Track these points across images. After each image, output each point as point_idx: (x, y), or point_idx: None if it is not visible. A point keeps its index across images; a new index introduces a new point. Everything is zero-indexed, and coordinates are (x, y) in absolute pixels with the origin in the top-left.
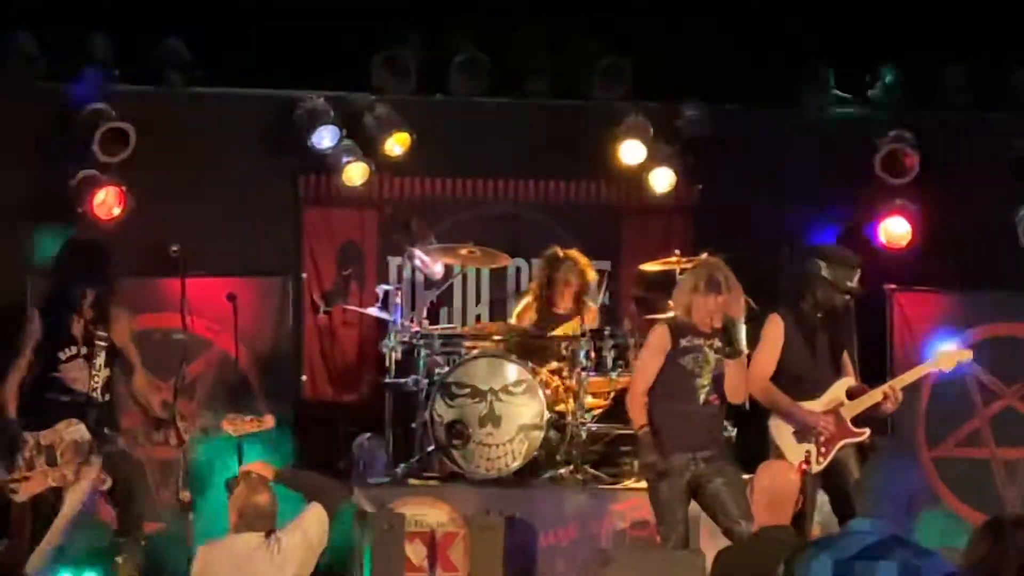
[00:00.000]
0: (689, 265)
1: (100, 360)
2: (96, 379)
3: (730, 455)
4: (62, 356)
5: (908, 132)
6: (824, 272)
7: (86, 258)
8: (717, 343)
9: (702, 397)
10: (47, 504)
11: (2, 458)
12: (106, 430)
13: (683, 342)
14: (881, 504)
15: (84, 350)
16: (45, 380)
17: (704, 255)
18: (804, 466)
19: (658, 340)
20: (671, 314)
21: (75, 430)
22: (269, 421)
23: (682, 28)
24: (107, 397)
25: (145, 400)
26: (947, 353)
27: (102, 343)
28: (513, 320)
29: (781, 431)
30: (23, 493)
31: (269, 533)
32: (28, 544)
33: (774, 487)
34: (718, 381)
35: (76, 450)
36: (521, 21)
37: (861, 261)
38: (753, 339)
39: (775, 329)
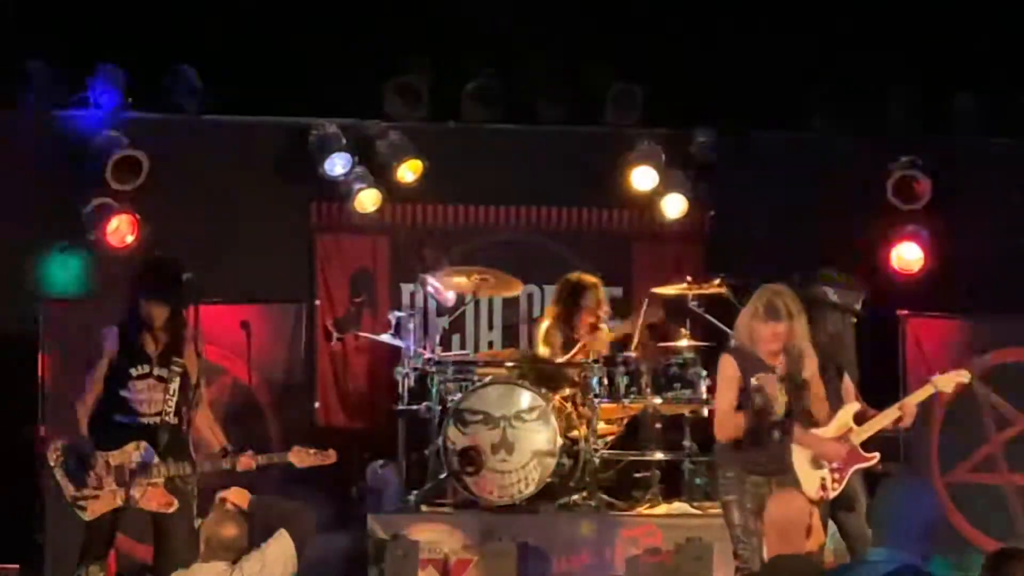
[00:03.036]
0: (701, 291)
1: (175, 384)
2: (169, 402)
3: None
4: (133, 373)
5: (919, 158)
6: (832, 297)
7: (160, 276)
8: (784, 373)
9: (777, 434)
10: (106, 524)
11: (73, 475)
12: (171, 458)
13: (752, 381)
14: (895, 532)
15: (157, 371)
16: (115, 400)
17: (716, 281)
18: (821, 492)
19: (729, 372)
20: (733, 343)
21: (144, 452)
22: (332, 455)
23: (694, 55)
24: (177, 421)
25: (206, 437)
26: (946, 376)
27: (177, 367)
28: (540, 345)
29: (797, 458)
30: (91, 511)
31: (235, 562)
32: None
33: (785, 517)
34: (791, 412)
35: (144, 471)
36: (533, 48)
37: (864, 285)
38: None
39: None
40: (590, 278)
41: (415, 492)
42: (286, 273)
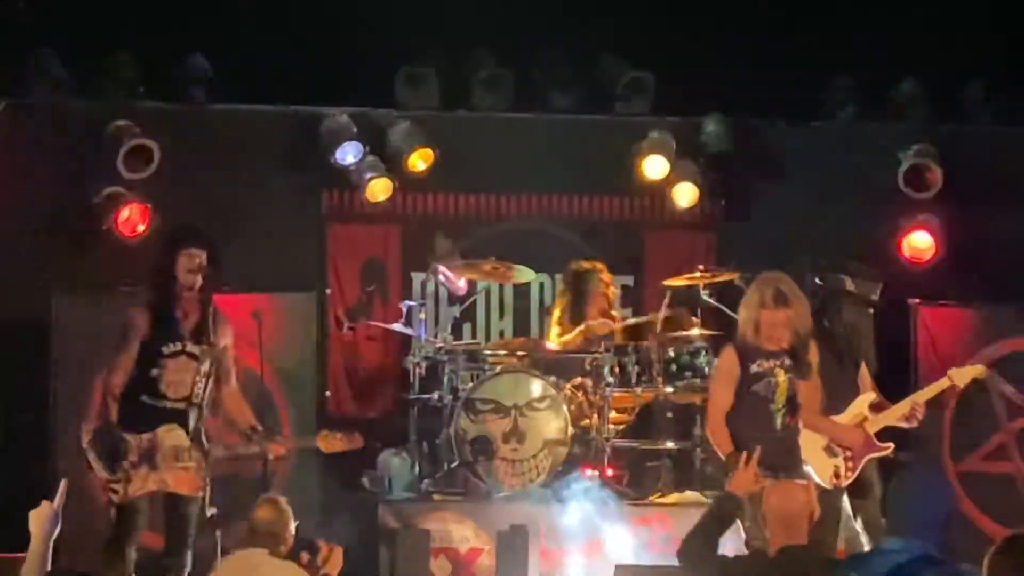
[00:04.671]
0: (712, 280)
1: (206, 366)
2: (199, 384)
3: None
4: (164, 351)
5: (931, 146)
6: (851, 287)
7: (191, 226)
8: (787, 362)
9: (779, 421)
10: (137, 508)
11: (104, 459)
12: (199, 442)
13: (753, 367)
14: (911, 521)
15: (190, 347)
16: (145, 380)
17: (727, 269)
18: (834, 480)
19: (727, 365)
20: (738, 334)
21: (175, 435)
22: (358, 440)
23: (705, 43)
24: (206, 403)
25: (234, 415)
26: (962, 369)
27: (208, 346)
28: (553, 334)
29: (810, 445)
30: (122, 495)
31: (276, 552)
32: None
33: (784, 507)
34: (793, 402)
35: (175, 455)
36: (544, 36)
37: (882, 275)
38: None
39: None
40: (593, 264)
41: (426, 481)
42: (297, 262)
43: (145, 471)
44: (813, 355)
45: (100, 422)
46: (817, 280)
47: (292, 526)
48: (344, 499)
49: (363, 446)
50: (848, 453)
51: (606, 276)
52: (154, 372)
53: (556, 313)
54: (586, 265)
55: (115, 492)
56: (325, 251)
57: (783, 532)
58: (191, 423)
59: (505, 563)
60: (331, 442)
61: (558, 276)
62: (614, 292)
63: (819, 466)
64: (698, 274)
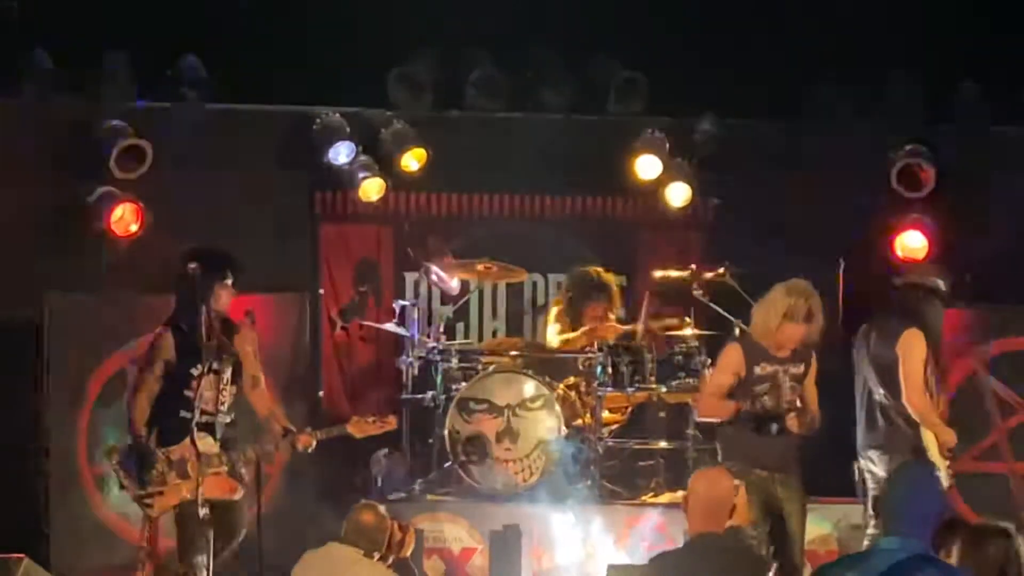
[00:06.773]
0: (703, 279)
1: (227, 376)
2: (224, 395)
3: (802, 482)
4: (194, 372)
5: (923, 146)
6: (942, 285)
7: (226, 257)
8: (791, 369)
9: (774, 427)
10: (191, 513)
11: (135, 475)
12: (230, 450)
13: (756, 370)
14: (905, 521)
15: (214, 364)
16: (177, 398)
17: (721, 269)
18: (948, 481)
19: (731, 362)
20: (743, 330)
21: (204, 443)
22: (392, 421)
23: (698, 43)
24: (233, 415)
25: (265, 416)
26: None
27: (229, 356)
28: (550, 325)
29: (932, 444)
30: (157, 508)
31: (371, 554)
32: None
33: (710, 494)
34: (795, 408)
35: (206, 462)
36: (537, 37)
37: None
38: None
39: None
40: (612, 277)
41: (419, 481)
42: (290, 262)
43: (178, 482)
44: (813, 367)
45: (127, 440)
46: (899, 282)
47: (388, 534)
48: (337, 499)
49: (396, 427)
50: (949, 453)
51: (616, 295)
52: (188, 393)
53: (554, 311)
54: (604, 276)
55: (149, 507)
56: (318, 251)
57: (702, 518)
58: (218, 430)
59: (498, 563)
60: (363, 426)
61: (551, 276)
62: (618, 311)
63: (940, 463)
64: (690, 273)
